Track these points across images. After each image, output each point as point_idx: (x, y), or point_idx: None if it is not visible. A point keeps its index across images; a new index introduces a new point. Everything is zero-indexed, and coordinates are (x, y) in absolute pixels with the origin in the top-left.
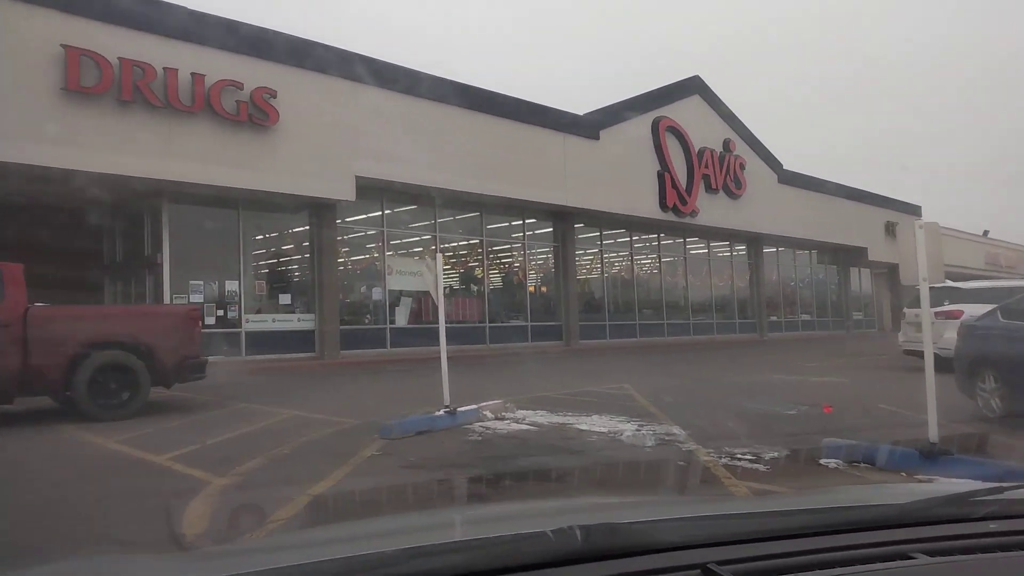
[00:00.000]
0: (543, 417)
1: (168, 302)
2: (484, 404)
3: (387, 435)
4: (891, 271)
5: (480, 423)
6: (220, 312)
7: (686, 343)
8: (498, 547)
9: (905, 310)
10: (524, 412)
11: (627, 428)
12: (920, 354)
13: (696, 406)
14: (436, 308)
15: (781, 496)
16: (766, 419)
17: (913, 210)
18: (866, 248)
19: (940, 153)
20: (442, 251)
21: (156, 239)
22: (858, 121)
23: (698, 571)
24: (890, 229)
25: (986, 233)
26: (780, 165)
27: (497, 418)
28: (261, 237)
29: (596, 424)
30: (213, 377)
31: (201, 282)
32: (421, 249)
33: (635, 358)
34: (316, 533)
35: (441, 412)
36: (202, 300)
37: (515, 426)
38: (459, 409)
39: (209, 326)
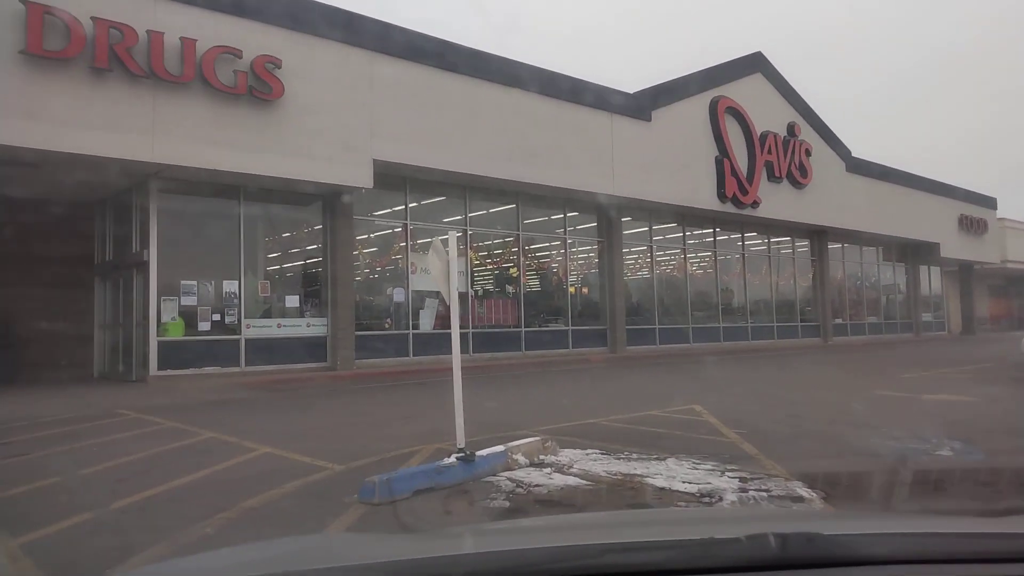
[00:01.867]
0: (599, 463)
1: (155, 305)
2: (514, 444)
3: (368, 499)
4: (962, 269)
5: (508, 473)
6: (216, 316)
7: (744, 349)
8: (690, 548)
9: None
10: (571, 453)
11: (725, 484)
12: None
13: (803, 441)
14: (465, 310)
15: (1007, 519)
16: (921, 465)
17: (988, 203)
18: (938, 244)
19: (1014, 145)
20: (474, 248)
21: (143, 233)
22: (929, 112)
23: None
24: (964, 223)
25: None
26: (849, 152)
27: (533, 464)
28: (266, 231)
29: (676, 475)
30: (197, 393)
31: (195, 282)
32: None
33: (694, 368)
34: (522, 522)
35: (452, 459)
36: (195, 303)
37: (559, 479)
38: (479, 454)
39: (203, 332)
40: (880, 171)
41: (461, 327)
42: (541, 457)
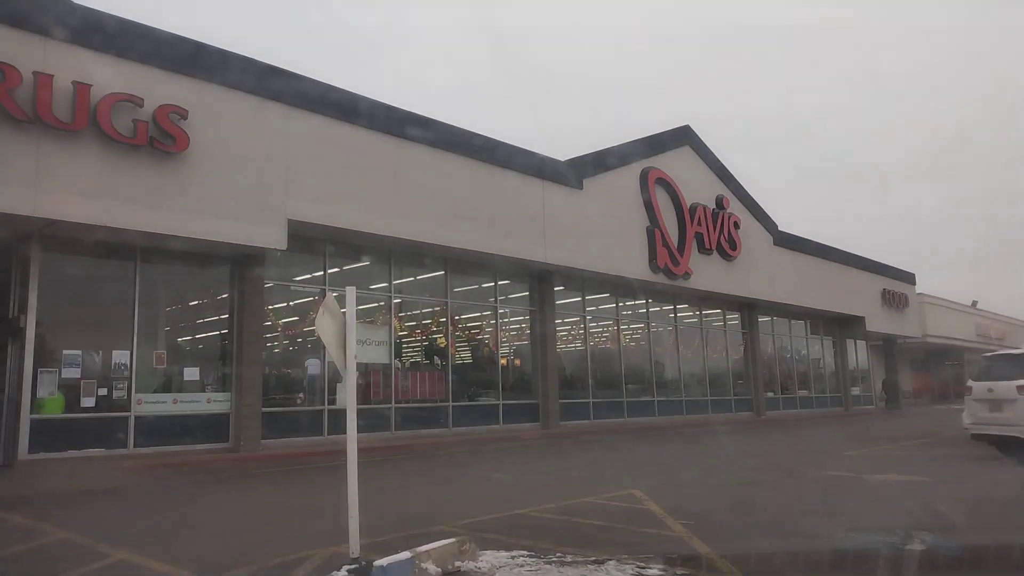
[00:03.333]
0: (525, 569)
1: (30, 377)
2: (424, 548)
3: None
4: (886, 343)
5: None
6: (103, 391)
7: (680, 424)
8: None
9: (971, 383)
10: (493, 558)
11: None
12: (997, 439)
13: (758, 534)
14: (388, 383)
15: None
16: (895, 562)
17: (908, 278)
18: (863, 317)
19: (928, 218)
20: (400, 317)
21: (22, 297)
22: (847, 194)
23: None
24: (887, 298)
25: (975, 304)
26: (775, 226)
27: (447, 573)
28: (165, 296)
29: None
30: (71, 480)
31: (79, 352)
32: (374, 318)
33: (630, 446)
34: None
35: (343, 572)
36: (79, 375)
37: None
38: (378, 563)
39: (87, 409)
40: (806, 246)
41: (383, 402)
42: (457, 564)
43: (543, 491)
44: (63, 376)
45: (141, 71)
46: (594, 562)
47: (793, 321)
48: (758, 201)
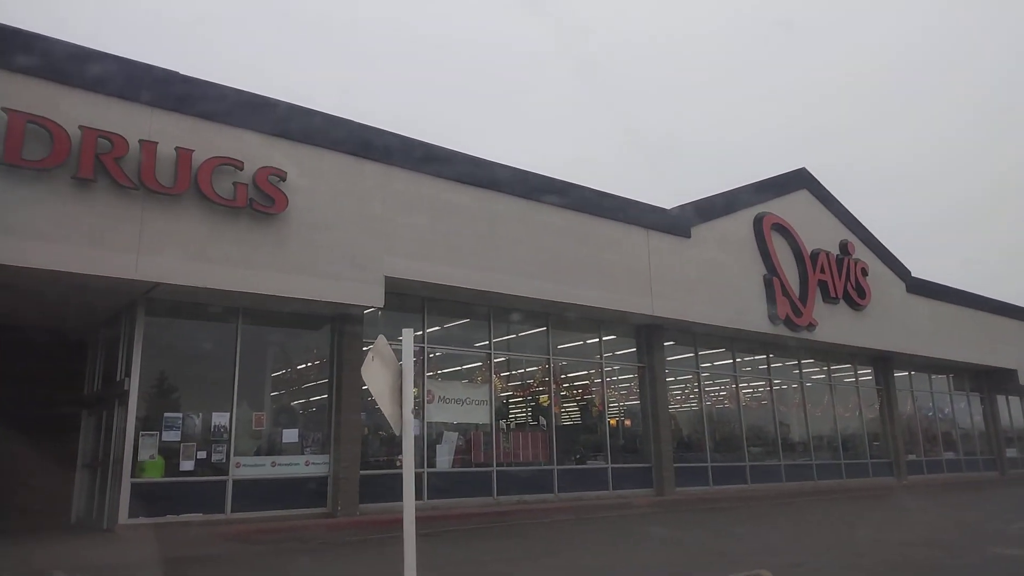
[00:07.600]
0: None
1: (132, 441)
2: None
3: None
4: None
5: None
6: (202, 454)
7: (811, 490)
8: None
9: None
10: None
11: None
12: None
13: None
14: (489, 445)
15: None
16: None
17: None
18: (1016, 371)
19: None
20: (500, 375)
21: (127, 360)
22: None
23: None
24: None
25: None
26: (908, 272)
27: None
28: (266, 357)
29: None
30: (165, 547)
31: (180, 415)
32: (478, 377)
33: (756, 515)
34: None
35: None
36: (178, 438)
37: None
38: None
39: (186, 473)
40: (945, 292)
41: (485, 465)
42: None
43: (654, 569)
44: (163, 439)
45: (240, 135)
46: None
47: (934, 376)
48: (887, 246)
